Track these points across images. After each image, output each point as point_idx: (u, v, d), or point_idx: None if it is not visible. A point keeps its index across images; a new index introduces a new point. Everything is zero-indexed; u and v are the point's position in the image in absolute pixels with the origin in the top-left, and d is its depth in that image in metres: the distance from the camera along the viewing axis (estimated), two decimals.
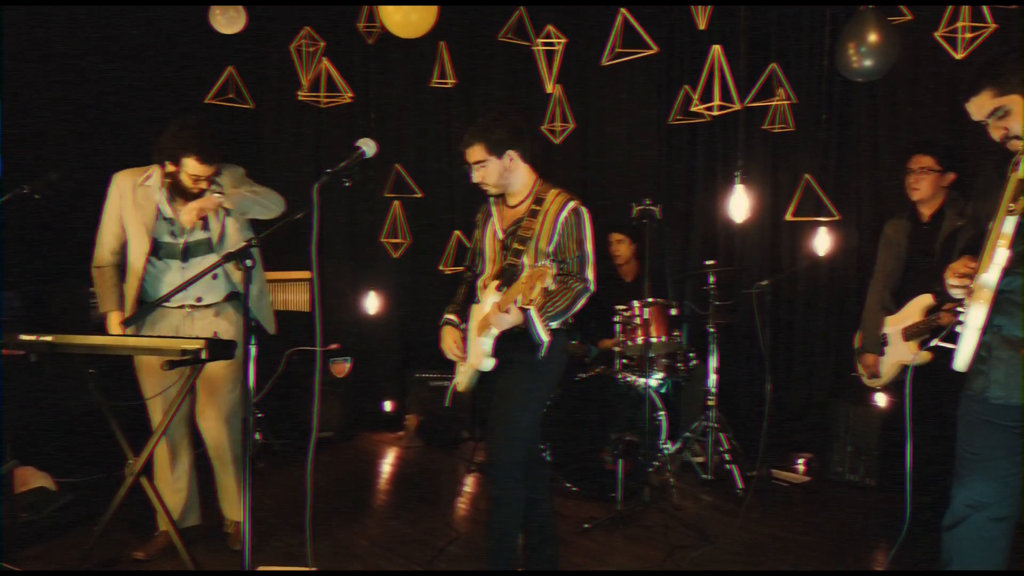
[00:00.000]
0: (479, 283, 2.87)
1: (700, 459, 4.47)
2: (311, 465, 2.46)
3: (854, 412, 4.37)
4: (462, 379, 2.93)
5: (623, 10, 4.55)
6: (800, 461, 4.78)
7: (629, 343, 4.32)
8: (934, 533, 3.37)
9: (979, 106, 2.14)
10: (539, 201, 2.76)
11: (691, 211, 5.52)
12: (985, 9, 3.75)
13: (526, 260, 2.69)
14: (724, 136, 5.29)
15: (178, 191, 3.17)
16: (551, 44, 4.85)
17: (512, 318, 2.57)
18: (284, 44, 5.30)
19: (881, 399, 4.30)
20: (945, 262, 2.41)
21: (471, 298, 2.92)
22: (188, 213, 3.11)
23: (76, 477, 4.03)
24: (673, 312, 4.36)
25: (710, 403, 4.38)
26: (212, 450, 3.38)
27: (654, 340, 4.25)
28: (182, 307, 3.25)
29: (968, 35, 3.81)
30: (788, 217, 4.79)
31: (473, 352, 2.82)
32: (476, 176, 2.76)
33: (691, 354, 4.54)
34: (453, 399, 3.53)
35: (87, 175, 3.81)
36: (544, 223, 2.70)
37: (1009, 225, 1.97)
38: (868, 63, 3.96)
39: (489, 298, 2.73)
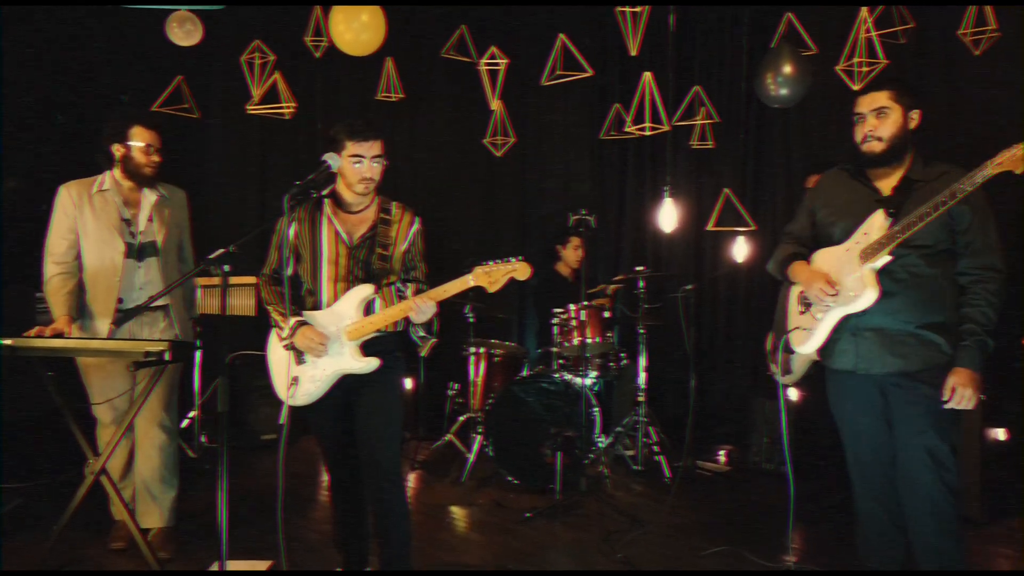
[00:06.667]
0: (323, 285, 2.76)
1: (631, 452, 4.77)
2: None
3: (770, 406, 4.76)
4: (316, 386, 2.77)
5: (562, 35, 4.87)
6: (721, 452, 5.17)
7: (566, 344, 4.59)
8: (838, 515, 3.76)
9: (873, 99, 2.60)
10: (386, 211, 2.82)
11: (622, 221, 5.87)
12: (878, 46, 4.21)
13: (395, 265, 2.82)
14: (652, 151, 5.66)
15: (134, 175, 3.33)
16: (495, 64, 5.12)
17: (432, 310, 2.70)
18: (232, 56, 5.40)
19: (793, 394, 4.69)
20: None
21: (295, 299, 2.80)
22: None
23: (24, 481, 4.04)
24: (606, 315, 4.66)
25: (640, 400, 4.70)
26: (158, 454, 3.44)
27: (589, 341, 4.54)
28: (130, 311, 3.31)
29: (864, 69, 4.27)
30: (709, 227, 5.18)
31: (347, 355, 2.73)
32: (373, 171, 2.70)
33: (622, 354, 4.84)
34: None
35: (34, 183, 3.83)
36: (399, 232, 2.84)
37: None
38: (784, 91, 4.38)
39: (352, 299, 2.72)
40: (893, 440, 2.62)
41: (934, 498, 2.50)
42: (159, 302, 3.31)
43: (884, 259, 2.48)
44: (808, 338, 2.72)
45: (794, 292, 2.88)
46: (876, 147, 2.58)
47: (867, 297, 2.50)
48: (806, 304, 2.77)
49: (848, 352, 2.64)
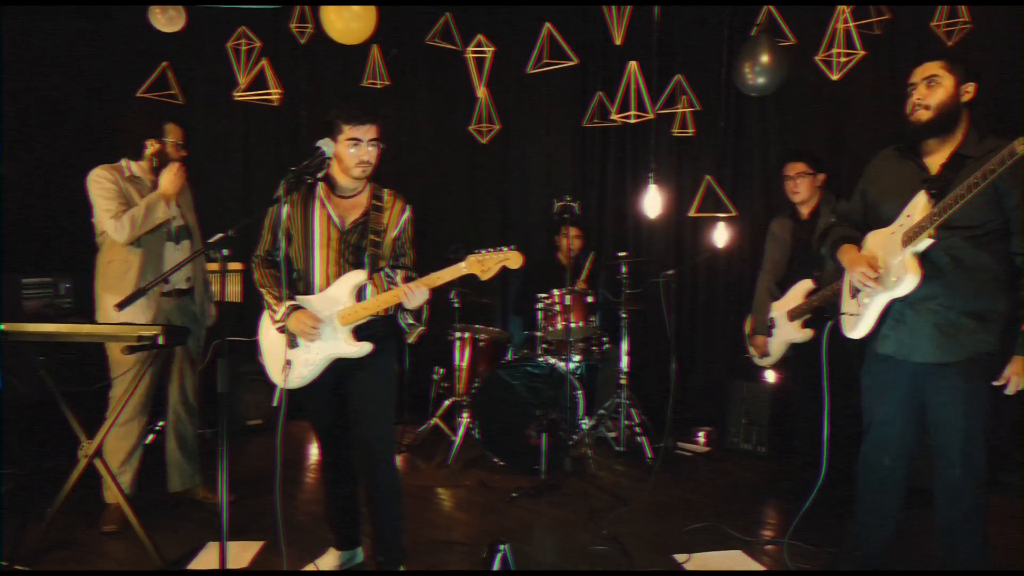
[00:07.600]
0: (314, 269, 2.79)
1: (613, 433, 4.88)
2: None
3: (748, 388, 4.89)
4: (309, 369, 2.81)
5: (548, 24, 4.93)
6: (701, 433, 5.30)
7: (550, 328, 4.67)
8: (808, 492, 3.87)
9: (925, 69, 2.52)
10: (378, 197, 2.85)
11: (603, 207, 5.95)
12: (856, 37, 4.32)
13: (385, 252, 2.86)
14: (633, 139, 5.75)
15: (163, 166, 3.51)
16: (481, 52, 5.16)
17: (424, 296, 2.74)
18: (217, 43, 5.38)
19: (770, 376, 4.83)
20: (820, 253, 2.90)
21: (287, 281, 2.79)
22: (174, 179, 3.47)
23: (18, 466, 4.05)
24: (590, 299, 4.75)
25: (622, 383, 4.80)
26: (192, 422, 3.81)
27: (573, 326, 4.62)
28: (169, 294, 3.57)
29: (843, 59, 4.38)
30: (692, 213, 5.28)
31: (340, 340, 2.77)
32: (370, 154, 2.73)
33: (605, 338, 4.93)
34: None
35: (25, 170, 3.84)
36: (390, 219, 2.88)
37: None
38: (762, 80, 4.48)
39: (345, 284, 2.76)
40: (917, 433, 2.61)
41: (960, 494, 2.47)
42: (183, 285, 3.60)
43: (926, 242, 2.38)
44: (856, 323, 2.63)
45: (847, 276, 2.78)
46: (923, 115, 2.49)
47: (908, 282, 2.40)
48: (856, 289, 2.68)
49: (889, 338, 2.58)
